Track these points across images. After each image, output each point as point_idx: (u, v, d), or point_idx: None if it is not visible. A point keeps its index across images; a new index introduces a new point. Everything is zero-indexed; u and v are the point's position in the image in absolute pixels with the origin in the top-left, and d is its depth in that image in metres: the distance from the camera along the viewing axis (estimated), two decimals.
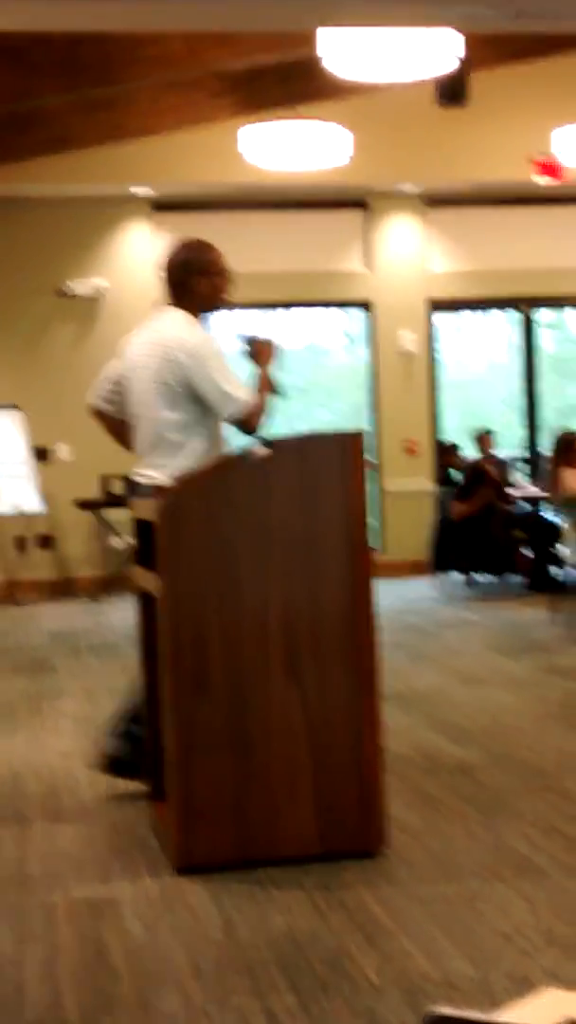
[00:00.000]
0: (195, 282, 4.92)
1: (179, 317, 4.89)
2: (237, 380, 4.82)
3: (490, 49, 10.78)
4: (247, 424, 4.75)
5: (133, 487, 5.05)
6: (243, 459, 4.15)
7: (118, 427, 5.18)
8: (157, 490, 4.34)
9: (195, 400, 4.76)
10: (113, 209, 12.35)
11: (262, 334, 5.08)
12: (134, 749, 4.89)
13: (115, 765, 4.97)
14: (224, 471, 4.23)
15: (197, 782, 4.03)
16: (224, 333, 5.55)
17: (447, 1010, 0.64)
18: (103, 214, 12.31)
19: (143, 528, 4.52)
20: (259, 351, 4.95)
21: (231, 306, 5.31)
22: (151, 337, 4.92)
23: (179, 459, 4.73)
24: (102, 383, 5.20)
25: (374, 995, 3.15)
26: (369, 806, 4.11)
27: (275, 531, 4.06)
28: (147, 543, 4.34)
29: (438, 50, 8.09)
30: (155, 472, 4.74)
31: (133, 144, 11.57)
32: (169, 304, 4.98)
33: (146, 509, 4.37)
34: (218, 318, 5.78)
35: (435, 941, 3.46)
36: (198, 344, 4.79)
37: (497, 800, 4.77)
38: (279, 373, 4.96)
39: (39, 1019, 3.11)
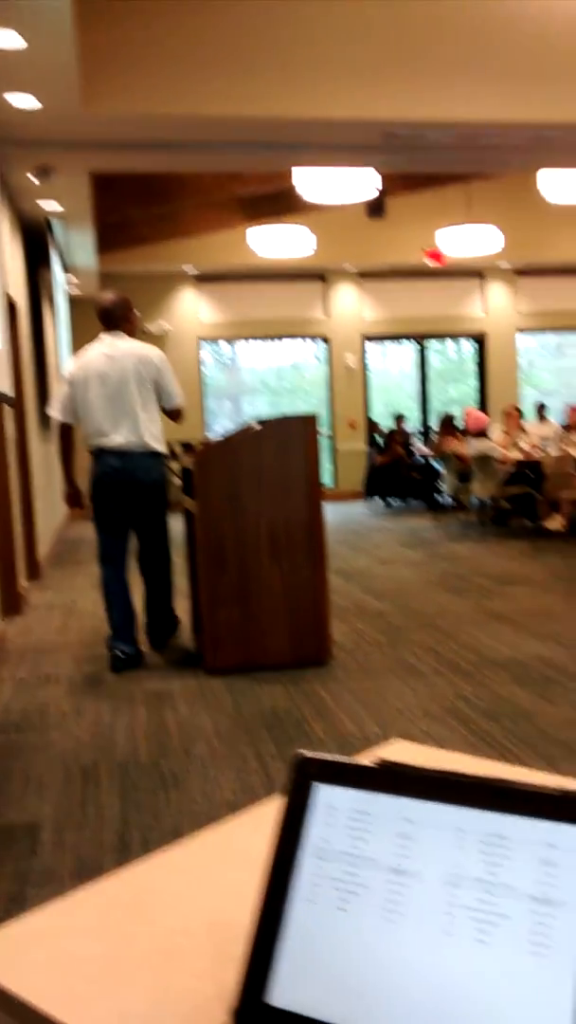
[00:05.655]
0: (132, 316, 4.33)
1: (134, 340, 4.28)
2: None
3: (398, 182, 10.61)
4: (177, 414, 4.30)
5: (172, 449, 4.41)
6: (246, 430, 4.11)
7: (70, 433, 4.34)
8: (192, 449, 4.23)
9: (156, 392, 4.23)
10: (172, 280, 12.10)
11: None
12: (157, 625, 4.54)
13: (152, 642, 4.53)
14: (234, 438, 4.16)
15: (219, 621, 4.05)
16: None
17: (309, 753, 0.61)
18: (166, 283, 12.07)
19: (187, 473, 4.48)
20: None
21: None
22: (118, 351, 4.19)
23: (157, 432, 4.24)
24: (66, 403, 4.24)
25: (321, 745, 3.18)
26: (321, 635, 4.14)
27: (264, 473, 4.04)
28: (189, 481, 4.32)
29: (367, 182, 7.94)
30: (155, 441, 4.21)
31: (184, 241, 11.33)
32: (115, 331, 4.25)
33: (188, 461, 4.33)
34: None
35: (358, 714, 3.49)
36: (162, 355, 4.28)
37: (398, 632, 4.79)
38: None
39: (125, 760, 3.13)
